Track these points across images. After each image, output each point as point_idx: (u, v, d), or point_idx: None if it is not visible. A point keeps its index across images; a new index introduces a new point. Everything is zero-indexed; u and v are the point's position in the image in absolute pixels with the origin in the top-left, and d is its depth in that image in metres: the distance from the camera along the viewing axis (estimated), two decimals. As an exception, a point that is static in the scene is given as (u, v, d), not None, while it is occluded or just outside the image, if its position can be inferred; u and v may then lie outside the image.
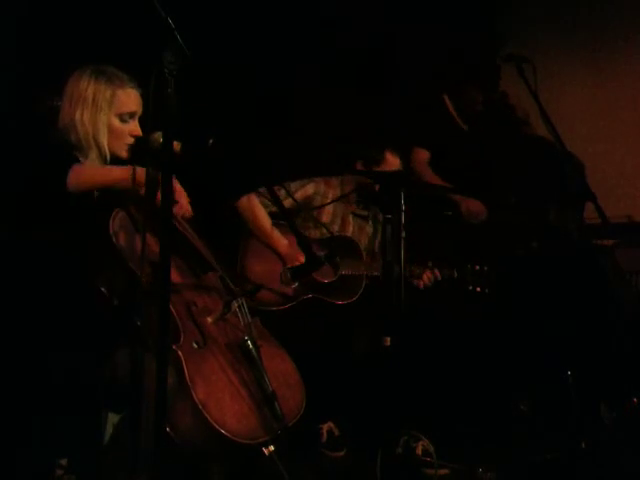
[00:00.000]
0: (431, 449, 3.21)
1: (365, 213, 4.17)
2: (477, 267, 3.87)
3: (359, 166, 4.05)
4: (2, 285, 2.70)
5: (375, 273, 3.93)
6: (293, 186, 3.95)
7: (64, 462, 2.62)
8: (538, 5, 5.34)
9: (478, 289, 3.87)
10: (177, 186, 2.74)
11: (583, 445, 3.44)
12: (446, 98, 4.62)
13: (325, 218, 4.03)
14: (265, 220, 3.79)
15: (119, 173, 2.72)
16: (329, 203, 3.97)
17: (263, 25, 4.43)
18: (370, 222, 4.19)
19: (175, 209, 2.68)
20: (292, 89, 4.63)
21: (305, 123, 4.59)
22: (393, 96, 4.83)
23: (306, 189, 3.98)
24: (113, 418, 2.82)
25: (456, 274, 3.90)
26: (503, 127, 4.97)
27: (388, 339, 3.18)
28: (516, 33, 5.25)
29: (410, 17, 4.88)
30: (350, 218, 4.11)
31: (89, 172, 2.73)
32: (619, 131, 5.11)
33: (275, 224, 3.82)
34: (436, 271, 3.87)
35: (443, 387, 3.85)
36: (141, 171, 2.57)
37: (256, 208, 3.79)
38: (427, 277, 3.86)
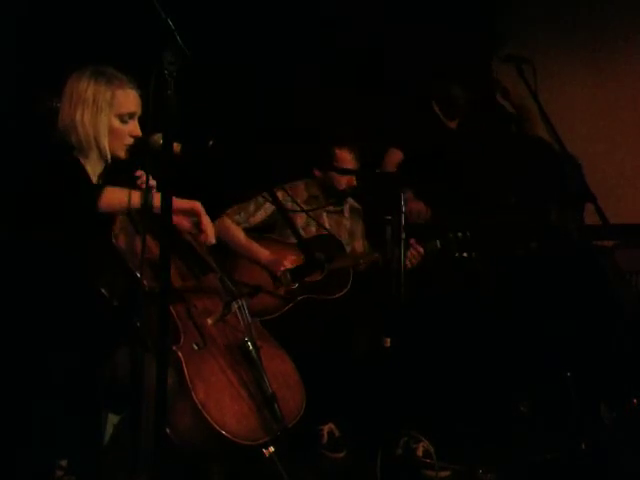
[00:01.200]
0: (431, 450, 3.21)
1: (339, 208, 4.18)
2: (459, 234, 3.84)
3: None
4: (2, 285, 2.69)
5: (361, 261, 3.95)
6: (261, 199, 3.97)
7: (64, 463, 2.62)
8: (538, 5, 5.33)
9: (465, 254, 3.84)
10: (205, 219, 2.72)
11: (583, 445, 3.44)
12: (433, 103, 4.62)
13: (299, 222, 4.03)
14: (241, 236, 3.89)
15: (154, 199, 2.60)
16: (309, 210, 3.95)
17: (263, 25, 4.43)
18: (347, 214, 4.21)
19: (201, 237, 2.74)
20: (292, 89, 4.63)
21: (305, 123, 4.59)
22: (393, 96, 4.82)
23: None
24: (113, 418, 2.82)
25: (439, 245, 3.87)
26: (502, 127, 4.97)
27: (388, 340, 3.18)
28: (516, 33, 5.24)
29: (410, 17, 4.87)
30: (324, 217, 4.12)
31: (121, 195, 2.65)
32: (619, 131, 5.10)
33: (256, 238, 3.89)
34: (419, 247, 3.83)
35: (443, 387, 3.85)
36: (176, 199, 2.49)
37: (230, 228, 3.90)
38: (412, 255, 3.80)
